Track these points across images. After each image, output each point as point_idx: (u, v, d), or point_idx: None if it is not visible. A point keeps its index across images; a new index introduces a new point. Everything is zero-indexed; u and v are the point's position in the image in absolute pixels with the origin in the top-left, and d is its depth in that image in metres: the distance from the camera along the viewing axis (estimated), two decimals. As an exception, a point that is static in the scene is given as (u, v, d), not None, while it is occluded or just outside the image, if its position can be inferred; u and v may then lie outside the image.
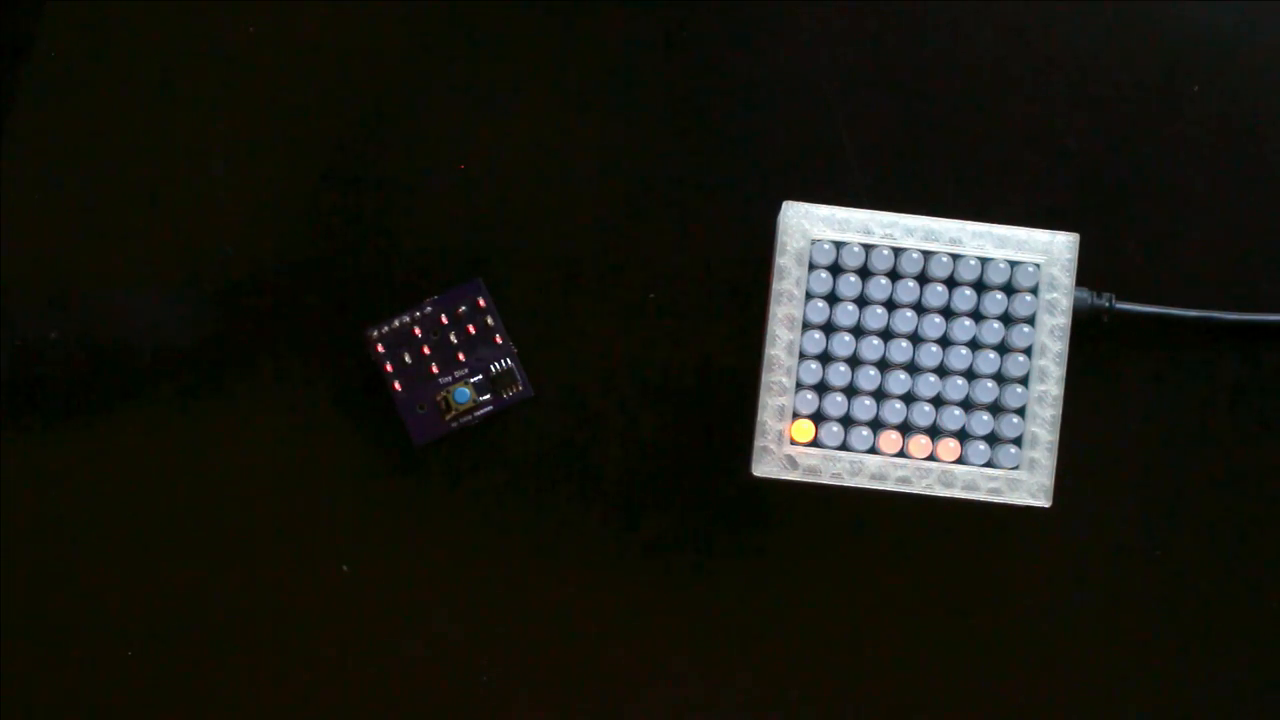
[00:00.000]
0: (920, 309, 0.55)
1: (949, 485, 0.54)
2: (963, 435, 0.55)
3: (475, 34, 0.61)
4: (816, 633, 0.60)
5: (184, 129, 0.61)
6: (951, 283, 0.55)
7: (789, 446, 0.54)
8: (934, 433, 0.55)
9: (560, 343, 0.61)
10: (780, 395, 0.55)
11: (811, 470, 0.54)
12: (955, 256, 0.55)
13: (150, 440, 0.60)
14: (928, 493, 0.54)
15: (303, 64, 0.61)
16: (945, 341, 0.55)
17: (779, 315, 0.55)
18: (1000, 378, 0.55)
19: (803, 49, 0.61)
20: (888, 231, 0.55)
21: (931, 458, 0.54)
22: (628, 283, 0.61)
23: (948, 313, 0.55)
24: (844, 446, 0.55)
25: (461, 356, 0.60)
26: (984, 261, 0.55)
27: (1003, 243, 0.55)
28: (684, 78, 0.61)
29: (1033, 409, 0.54)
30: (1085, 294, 0.57)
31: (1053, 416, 0.54)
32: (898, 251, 0.55)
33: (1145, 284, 0.60)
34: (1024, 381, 0.54)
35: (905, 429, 0.55)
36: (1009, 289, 0.55)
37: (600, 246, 0.61)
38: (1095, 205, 0.60)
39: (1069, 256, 0.55)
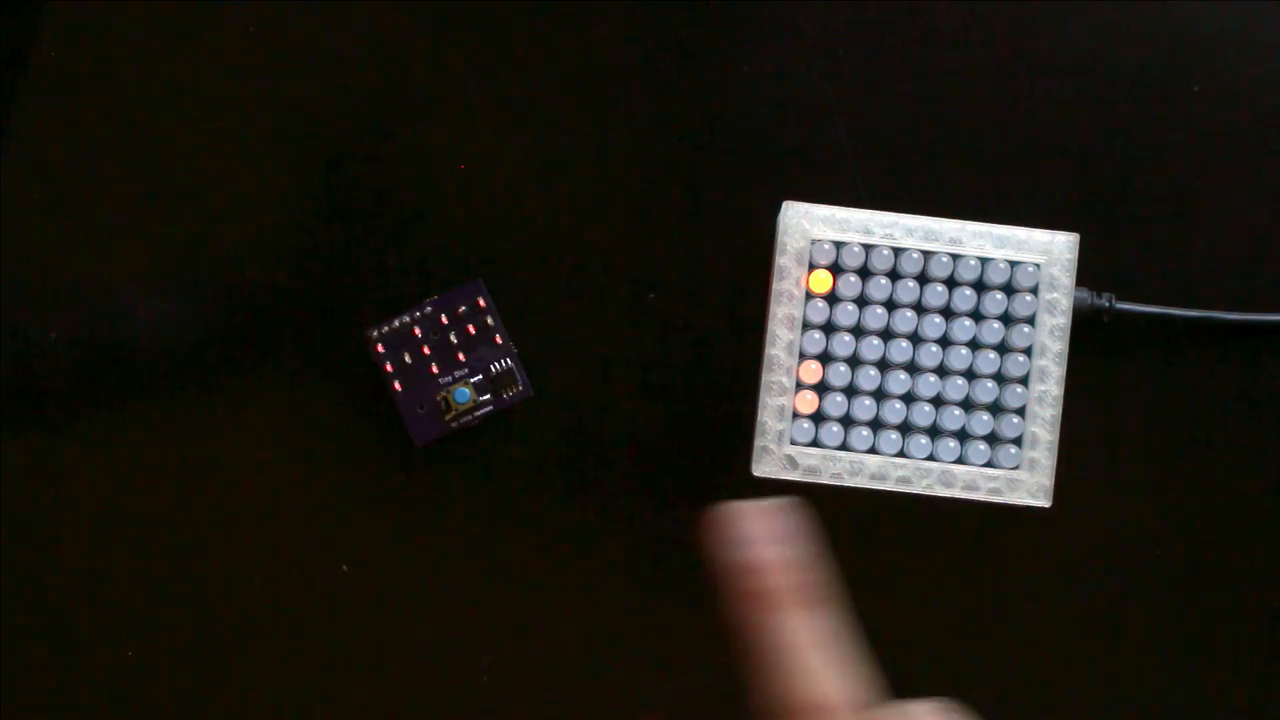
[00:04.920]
0: (920, 309, 0.55)
1: (949, 485, 0.54)
2: (963, 435, 0.55)
3: (475, 34, 0.61)
4: (816, 633, 0.60)
5: (184, 129, 0.61)
6: (951, 283, 0.55)
7: (789, 446, 0.54)
8: (934, 433, 0.55)
9: (560, 343, 0.61)
10: (780, 395, 0.55)
11: (811, 470, 0.54)
12: (955, 256, 0.55)
13: (150, 440, 0.60)
14: (928, 493, 0.54)
15: (303, 64, 0.61)
16: (945, 341, 0.55)
17: (779, 315, 0.55)
18: (1000, 378, 0.55)
19: (803, 49, 0.61)
20: (888, 231, 0.55)
21: (931, 458, 0.55)
22: (628, 283, 0.61)
23: (948, 313, 0.55)
24: (844, 446, 0.55)
25: (461, 356, 0.60)
26: (984, 261, 0.55)
27: (1003, 243, 0.55)
28: (684, 78, 0.61)
29: (1033, 409, 0.54)
30: (1085, 294, 0.57)
31: (1053, 416, 0.54)
32: (898, 251, 0.55)
33: (1145, 284, 0.60)
34: (1024, 381, 0.54)
35: (905, 429, 0.55)
36: (1009, 289, 0.55)
37: (600, 246, 0.61)
38: (1095, 205, 0.60)
39: (1069, 256, 0.55)
